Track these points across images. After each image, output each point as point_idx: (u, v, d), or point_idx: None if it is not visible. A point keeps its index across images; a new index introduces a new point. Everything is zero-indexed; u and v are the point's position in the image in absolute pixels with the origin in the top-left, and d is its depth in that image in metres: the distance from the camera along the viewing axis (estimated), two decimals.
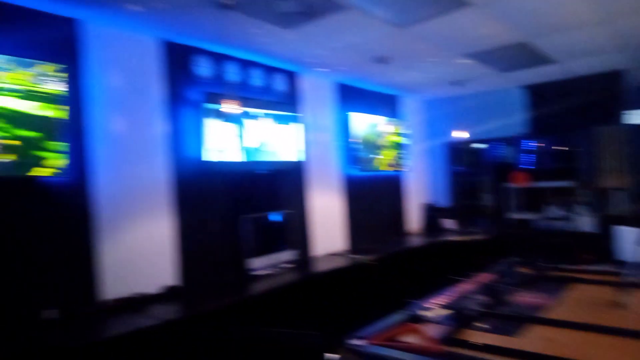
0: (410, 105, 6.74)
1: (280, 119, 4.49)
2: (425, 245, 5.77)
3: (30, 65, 2.79)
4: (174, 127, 3.75)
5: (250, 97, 4.29)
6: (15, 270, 2.82)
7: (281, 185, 4.66)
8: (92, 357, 2.60)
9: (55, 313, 2.90)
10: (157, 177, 3.62)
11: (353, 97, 5.68)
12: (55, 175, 2.93)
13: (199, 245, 3.86)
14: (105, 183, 3.27)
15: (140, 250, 3.45)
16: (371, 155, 5.79)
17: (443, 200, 6.96)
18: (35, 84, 2.81)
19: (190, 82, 3.89)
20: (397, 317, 2.31)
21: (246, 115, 4.15)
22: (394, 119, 6.18)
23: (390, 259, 5.06)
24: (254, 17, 3.31)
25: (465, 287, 2.75)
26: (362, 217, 5.70)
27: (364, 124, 5.67)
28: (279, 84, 4.69)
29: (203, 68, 3.99)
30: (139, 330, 2.83)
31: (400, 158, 6.23)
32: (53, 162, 2.91)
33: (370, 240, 5.69)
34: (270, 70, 4.59)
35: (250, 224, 4.14)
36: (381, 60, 4.50)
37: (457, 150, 6.86)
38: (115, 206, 3.32)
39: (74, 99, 3.11)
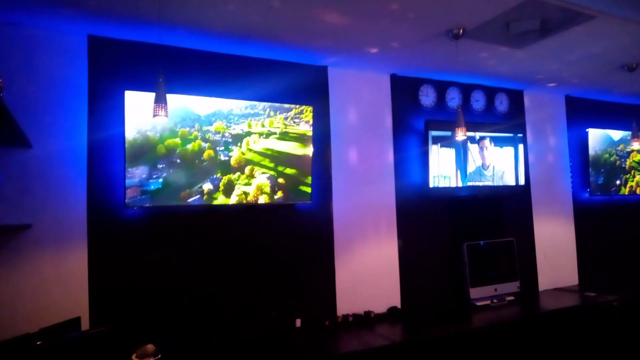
0: None
1: (503, 142, 4.27)
2: None
3: (287, 111, 3.29)
4: (400, 155, 3.92)
5: (473, 120, 4.21)
6: (277, 281, 3.33)
7: (504, 211, 4.41)
8: None
9: (299, 323, 3.31)
10: (384, 202, 3.83)
11: (589, 111, 5.02)
12: (306, 202, 3.38)
13: (420, 270, 3.92)
14: (340, 208, 3.62)
15: (369, 271, 3.69)
16: (614, 177, 5.02)
17: None
18: (289, 125, 3.29)
19: (414, 111, 4.02)
20: None
21: (469, 139, 4.08)
22: None
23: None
24: (485, 42, 3.23)
25: None
26: (600, 248, 4.95)
27: (604, 140, 4.95)
28: (502, 104, 4.46)
29: (427, 97, 4.07)
30: (370, 348, 3.02)
31: None
32: (305, 191, 3.36)
33: (610, 276, 4.91)
34: (492, 90, 4.41)
35: (474, 251, 4.02)
36: (629, 67, 3.86)
37: None
38: (348, 229, 3.64)
39: (320, 135, 3.54)
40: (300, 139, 3.35)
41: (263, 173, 3.24)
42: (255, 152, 3.22)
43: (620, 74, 4.02)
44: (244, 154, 3.15)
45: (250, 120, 3.17)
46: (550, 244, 4.68)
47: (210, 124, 3.03)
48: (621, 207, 5.16)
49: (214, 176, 3.07)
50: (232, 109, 3.13)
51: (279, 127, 3.26)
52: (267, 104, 3.24)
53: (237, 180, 3.13)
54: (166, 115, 2.21)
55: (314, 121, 3.41)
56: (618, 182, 5.09)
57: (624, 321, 4.01)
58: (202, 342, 3.00)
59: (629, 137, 5.12)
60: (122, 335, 2.69)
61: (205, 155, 3.04)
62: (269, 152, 3.27)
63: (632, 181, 5.17)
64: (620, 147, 5.11)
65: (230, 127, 3.09)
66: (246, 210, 3.24)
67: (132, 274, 2.88)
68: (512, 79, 4.26)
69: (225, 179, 3.10)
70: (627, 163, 5.19)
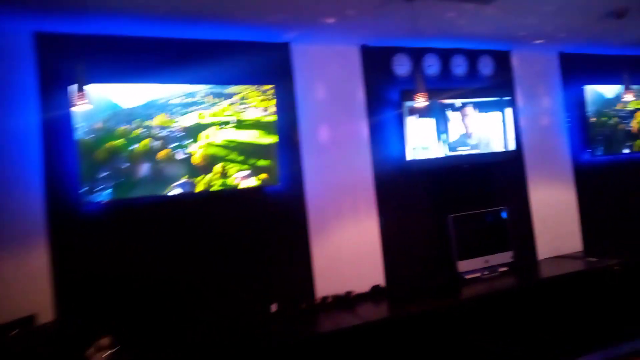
0: None
1: (488, 107, 4.05)
2: None
3: (229, 96, 3.12)
4: (375, 129, 3.78)
5: (453, 87, 4.01)
6: (247, 267, 3.28)
7: (494, 179, 4.21)
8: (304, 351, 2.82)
9: (275, 307, 3.26)
10: (360, 179, 3.70)
11: (584, 67, 4.70)
12: (275, 185, 3.31)
13: (404, 246, 3.79)
14: (314, 188, 3.52)
15: (348, 250, 3.60)
16: (619, 144, 4.72)
17: None
18: (240, 111, 3.16)
19: (389, 82, 3.85)
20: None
21: (450, 107, 3.89)
22: None
23: None
24: (445, 0, 3.02)
25: None
26: (605, 211, 4.68)
27: (597, 101, 4.64)
28: (486, 67, 4.23)
29: (401, 66, 3.89)
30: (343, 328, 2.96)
31: None
32: (273, 174, 3.27)
33: (617, 240, 4.65)
34: (474, 54, 4.17)
35: (460, 223, 3.86)
36: (617, 14, 3.55)
37: None
38: (324, 209, 3.54)
39: (286, 115, 3.42)
40: (260, 124, 3.22)
41: (240, 171, 3.15)
42: (217, 145, 3.10)
43: (609, 22, 3.71)
44: (205, 147, 3.04)
45: (201, 111, 3.04)
46: (549, 210, 4.46)
47: (150, 118, 2.89)
48: (627, 166, 4.86)
49: (182, 180, 2.95)
50: (169, 97, 2.94)
51: (232, 115, 3.13)
52: (207, 90, 3.07)
53: (211, 181, 3.05)
54: (89, 104, 2.14)
55: (277, 101, 3.30)
56: (627, 151, 4.77)
57: (625, 286, 3.79)
58: (172, 333, 2.99)
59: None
60: (82, 329, 2.69)
61: (161, 156, 2.93)
62: (234, 144, 3.17)
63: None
64: (619, 106, 4.76)
65: (174, 119, 2.95)
66: (212, 197, 3.18)
67: (96, 268, 2.87)
68: (494, 39, 4.03)
69: (200, 184, 3.01)
70: (635, 125, 4.84)
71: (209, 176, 3.07)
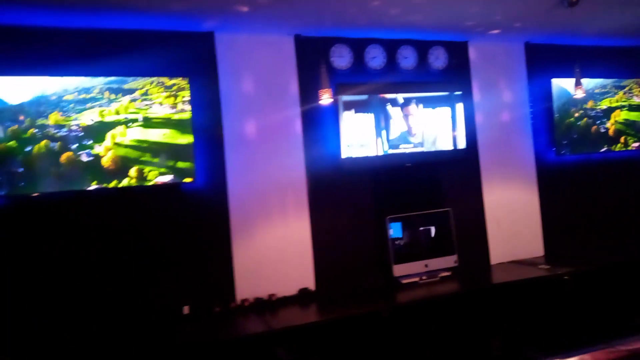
0: None
1: (436, 102, 3.81)
2: None
3: (129, 92, 2.94)
4: (309, 124, 3.59)
5: (400, 80, 3.79)
6: (161, 267, 3.16)
7: (441, 179, 3.97)
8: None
9: (187, 309, 3.13)
10: (291, 177, 3.53)
11: (552, 59, 4.38)
12: (191, 183, 3.16)
13: (339, 248, 3.62)
14: (238, 186, 3.36)
15: (275, 252, 3.44)
16: (589, 132, 4.41)
17: None
18: (142, 108, 3.00)
19: (327, 75, 3.63)
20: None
21: (391, 102, 3.67)
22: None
23: (603, 272, 3.76)
24: None
25: None
26: (571, 214, 4.39)
27: (561, 97, 4.33)
28: (438, 60, 3.97)
29: (341, 58, 3.67)
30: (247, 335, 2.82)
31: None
32: (189, 170, 3.13)
33: (584, 245, 4.36)
34: (425, 45, 3.92)
35: (401, 225, 3.66)
36: (569, 2, 3.25)
37: None
38: (249, 209, 3.38)
39: (204, 109, 3.27)
40: (172, 122, 3.05)
41: (160, 175, 3.01)
42: (127, 146, 2.94)
43: (562, 11, 3.41)
44: (114, 149, 2.88)
45: (102, 109, 2.87)
46: (507, 212, 4.20)
47: (43, 116, 2.71)
48: (597, 166, 4.54)
49: (93, 187, 2.81)
50: (61, 93, 2.76)
51: (138, 113, 2.96)
52: (104, 85, 2.88)
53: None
54: None
55: (193, 95, 3.15)
56: (597, 135, 4.46)
57: (570, 296, 3.53)
58: (75, 337, 2.90)
59: (598, 90, 4.46)
60: None
61: (64, 159, 2.77)
62: (146, 145, 3.01)
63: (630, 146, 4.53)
64: (589, 104, 4.44)
65: (71, 117, 2.79)
66: (121, 194, 3.05)
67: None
68: (443, 30, 3.77)
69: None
70: (610, 126, 4.51)
71: (125, 181, 2.93)
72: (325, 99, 2.74)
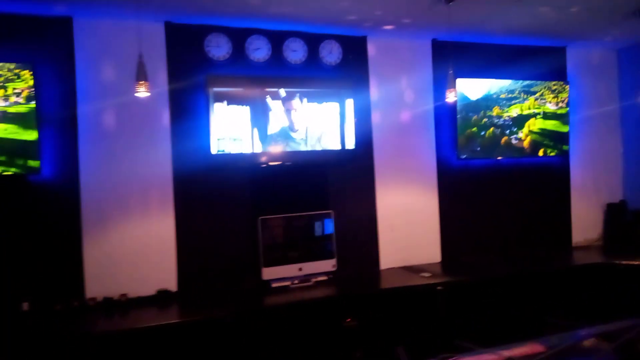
0: (580, 57, 4.62)
1: (323, 97, 3.63)
2: (581, 265, 4.02)
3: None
4: (178, 117, 3.41)
5: (289, 75, 3.61)
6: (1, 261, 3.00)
7: (325, 180, 3.79)
8: None
9: (27, 306, 2.98)
10: (156, 173, 3.36)
11: (459, 57, 4.16)
12: (34, 174, 3.00)
13: (207, 249, 3.46)
14: (93, 180, 3.19)
15: (132, 250, 3.28)
16: (497, 136, 4.22)
17: None
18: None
19: (200, 65, 3.45)
20: None
21: (271, 94, 3.48)
22: (544, 82, 4.34)
23: (489, 283, 3.62)
24: None
25: None
26: (470, 221, 4.24)
27: (482, 92, 4.13)
28: (331, 54, 3.77)
29: (217, 48, 3.48)
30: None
31: (555, 138, 4.39)
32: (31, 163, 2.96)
33: (482, 253, 4.22)
34: (316, 38, 3.72)
35: (271, 226, 3.50)
36: None
37: None
38: (104, 204, 3.22)
39: (58, 101, 3.10)
40: (8, 115, 2.85)
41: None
42: None
43: (439, 7, 3.20)
44: None
45: None
46: (404, 217, 4.03)
47: None
48: (502, 171, 4.36)
49: None
50: None
51: None
52: None
53: None
54: None
55: (38, 85, 2.96)
56: (507, 139, 4.27)
57: (438, 306, 3.38)
58: None
59: (504, 95, 4.23)
60: None
61: None
62: None
63: (521, 139, 4.32)
64: (495, 111, 4.22)
65: None
66: None
67: None
68: (334, 24, 3.58)
69: None
70: (524, 137, 4.29)
71: None
72: (142, 92, 2.55)
